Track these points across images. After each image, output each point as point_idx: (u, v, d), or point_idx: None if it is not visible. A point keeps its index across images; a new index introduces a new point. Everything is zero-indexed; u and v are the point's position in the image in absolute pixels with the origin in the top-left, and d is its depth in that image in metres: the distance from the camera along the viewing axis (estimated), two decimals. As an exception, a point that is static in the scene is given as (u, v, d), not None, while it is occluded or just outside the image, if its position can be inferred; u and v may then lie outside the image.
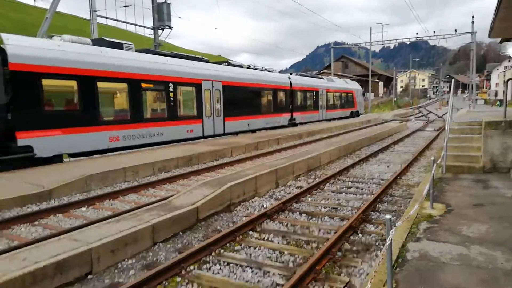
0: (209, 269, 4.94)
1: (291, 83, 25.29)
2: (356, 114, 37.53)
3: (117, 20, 20.39)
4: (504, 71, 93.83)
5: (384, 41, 49.66)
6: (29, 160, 10.41)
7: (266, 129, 22.34)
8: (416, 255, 4.46)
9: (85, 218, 7.10)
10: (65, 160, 11.78)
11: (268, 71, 24.03)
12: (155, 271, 4.54)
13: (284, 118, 24.38)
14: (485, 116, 11.19)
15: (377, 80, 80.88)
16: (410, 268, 4.13)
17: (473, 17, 39.64)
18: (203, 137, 17.13)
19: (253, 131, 21.11)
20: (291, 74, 28.90)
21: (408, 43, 61.49)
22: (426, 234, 5.15)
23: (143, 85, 13.89)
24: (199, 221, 6.71)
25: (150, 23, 23.44)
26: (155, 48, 22.77)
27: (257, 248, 5.54)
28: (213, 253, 5.35)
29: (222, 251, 5.48)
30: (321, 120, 29.74)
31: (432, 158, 6.58)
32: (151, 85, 14.33)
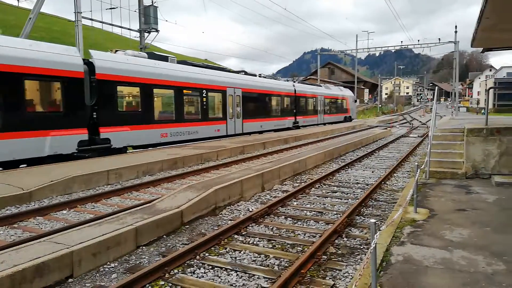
0: (193, 272, 4.87)
1: (295, 90, 28.41)
2: (349, 119, 39.95)
3: (102, 22, 20.15)
4: (486, 80, 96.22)
5: (369, 48, 50.45)
6: (107, 150, 13.18)
7: (273, 130, 25.07)
8: (400, 259, 4.49)
9: (66, 221, 6.95)
10: (128, 151, 14.44)
11: (276, 79, 29.39)
12: (137, 275, 4.46)
13: (289, 121, 27.56)
14: (467, 123, 11.41)
15: (362, 86, 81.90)
16: (394, 271, 4.16)
17: (456, 26, 40.48)
18: (227, 136, 20.22)
19: (261, 132, 23.94)
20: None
21: (393, 51, 62.66)
22: (410, 238, 5.19)
23: (184, 91, 16.95)
24: (184, 225, 6.64)
25: (136, 26, 23.27)
26: (141, 50, 22.66)
27: (242, 252, 5.50)
28: (197, 257, 5.29)
29: (206, 254, 5.42)
30: (319, 124, 32.71)
31: (416, 164, 6.67)
32: (190, 92, 17.43)
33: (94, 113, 12.83)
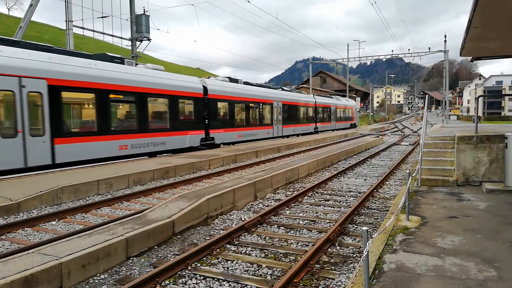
0: (185, 283, 4.81)
1: (315, 102, 35.03)
2: (354, 126, 46.73)
3: (94, 31, 20.13)
4: (475, 88, 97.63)
5: (361, 57, 50.84)
6: (212, 145, 19.28)
7: (301, 134, 31.18)
8: (393, 267, 4.47)
9: (55, 232, 6.84)
10: (221, 146, 20.18)
11: (300, 93, 35.62)
12: (128, 286, 4.38)
13: (312, 126, 34.28)
14: (458, 131, 11.52)
15: (354, 95, 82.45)
16: (387, 279, 4.14)
17: (445, 36, 41.22)
18: (273, 137, 26.44)
19: (295, 135, 30.10)
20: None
21: (384, 60, 63.38)
22: (402, 245, 5.19)
23: (250, 105, 23.45)
24: (175, 235, 6.57)
25: (128, 34, 23.27)
26: (133, 59, 22.70)
27: (234, 262, 5.45)
28: (189, 267, 5.22)
29: (198, 265, 5.36)
30: (333, 130, 39.44)
31: (408, 172, 6.69)
32: (253, 105, 23.85)
33: (206, 121, 18.89)
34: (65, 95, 11.96)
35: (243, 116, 22.84)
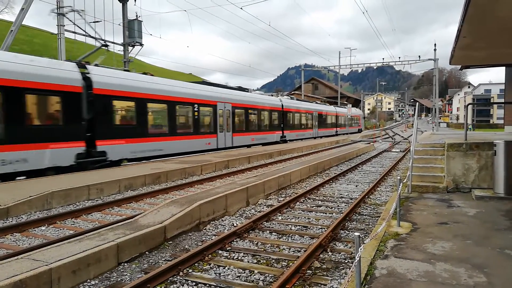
0: (176, 289, 4.77)
1: (336, 111, 46.02)
2: (359, 131, 56.72)
3: (85, 36, 20.02)
4: (465, 96, 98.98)
5: (352, 65, 51.29)
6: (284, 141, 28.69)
7: (329, 136, 41.36)
8: (384, 272, 4.50)
9: (45, 237, 6.76)
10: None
11: (325, 105, 44.98)
12: (118, 293, 4.34)
13: (334, 130, 44.44)
14: (448, 138, 11.67)
15: (345, 102, 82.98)
16: (378, 285, 4.16)
17: (435, 45, 41.84)
18: (313, 138, 36.29)
19: (327, 136, 40.39)
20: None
21: (375, 67, 64.31)
22: (394, 251, 5.22)
23: (304, 114, 33.19)
24: (167, 240, 6.53)
25: (120, 39, 23.21)
26: (125, 64, 22.64)
27: (226, 268, 5.43)
28: (180, 273, 5.19)
29: (190, 270, 5.32)
30: (347, 134, 48.00)
31: (398, 178, 6.75)
32: (298, 115, 32.67)
33: (282, 124, 28.77)
34: None
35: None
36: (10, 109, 10.62)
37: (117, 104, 14.25)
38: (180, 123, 17.56)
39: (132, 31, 22.97)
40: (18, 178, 10.99)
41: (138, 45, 23.62)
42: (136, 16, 23.36)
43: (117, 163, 14.07)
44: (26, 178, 10.98)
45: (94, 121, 13.05)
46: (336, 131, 45.04)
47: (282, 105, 29.35)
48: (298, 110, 32.70)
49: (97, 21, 20.76)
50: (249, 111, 24.15)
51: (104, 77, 13.62)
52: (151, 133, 15.58)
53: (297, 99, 37.08)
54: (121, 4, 23.02)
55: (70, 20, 17.81)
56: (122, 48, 23.43)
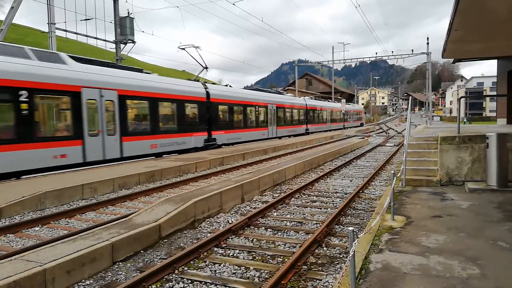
0: (172, 287, 4.77)
1: (344, 109, 51.24)
2: (361, 125, 61.94)
3: (77, 34, 19.86)
4: (458, 90, 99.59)
5: (345, 60, 51.49)
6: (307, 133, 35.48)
7: (339, 129, 46.98)
8: (379, 266, 4.52)
9: (39, 237, 6.71)
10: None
11: (333, 102, 49.89)
12: (114, 292, 4.32)
13: (341, 124, 50.08)
14: (441, 132, 11.73)
15: (339, 97, 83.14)
16: (373, 279, 4.18)
17: (428, 39, 42.05)
18: (329, 130, 42.19)
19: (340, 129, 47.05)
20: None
21: (368, 62, 64.34)
22: (388, 245, 5.25)
23: (333, 112, 44.82)
24: (162, 239, 6.52)
25: (112, 37, 23.03)
26: (117, 62, 22.45)
27: (222, 265, 5.43)
28: (176, 271, 5.18)
29: (185, 268, 5.32)
30: (352, 127, 54.03)
31: (392, 172, 6.78)
32: (323, 112, 42.00)
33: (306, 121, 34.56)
34: None
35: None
36: (184, 112, 17.83)
37: (221, 108, 21.29)
38: (250, 119, 25.10)
39: (124, 28, 22.80)
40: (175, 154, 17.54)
41: (130, 42, 23.47)
42: (128, 13, 23.18)
43: (219, 146, 20.82)
44: (17, 179, 10.90)
45: (210, 119, 19.86)
46: (344, 125, 51.07)
47: (306, 104, 36.39)
48: (315, 107, 39.33)
49: (89, 19, 20.59)
50: (286, 110, 31.29)
51: (214, 90, 20.73)
52: (235, 126, 22.94)
53: (315, 98, 46.85)
54: (112, 1, 22.82)
55: None
56: (114, 45, 23.26)
